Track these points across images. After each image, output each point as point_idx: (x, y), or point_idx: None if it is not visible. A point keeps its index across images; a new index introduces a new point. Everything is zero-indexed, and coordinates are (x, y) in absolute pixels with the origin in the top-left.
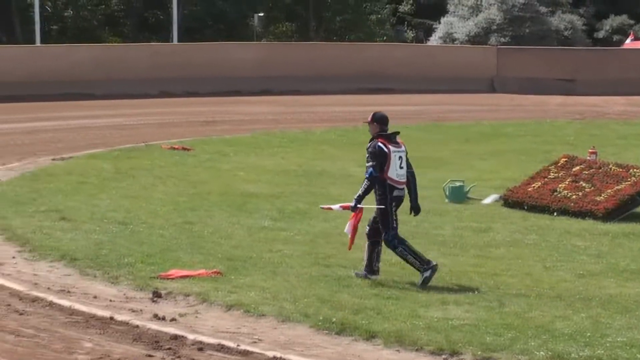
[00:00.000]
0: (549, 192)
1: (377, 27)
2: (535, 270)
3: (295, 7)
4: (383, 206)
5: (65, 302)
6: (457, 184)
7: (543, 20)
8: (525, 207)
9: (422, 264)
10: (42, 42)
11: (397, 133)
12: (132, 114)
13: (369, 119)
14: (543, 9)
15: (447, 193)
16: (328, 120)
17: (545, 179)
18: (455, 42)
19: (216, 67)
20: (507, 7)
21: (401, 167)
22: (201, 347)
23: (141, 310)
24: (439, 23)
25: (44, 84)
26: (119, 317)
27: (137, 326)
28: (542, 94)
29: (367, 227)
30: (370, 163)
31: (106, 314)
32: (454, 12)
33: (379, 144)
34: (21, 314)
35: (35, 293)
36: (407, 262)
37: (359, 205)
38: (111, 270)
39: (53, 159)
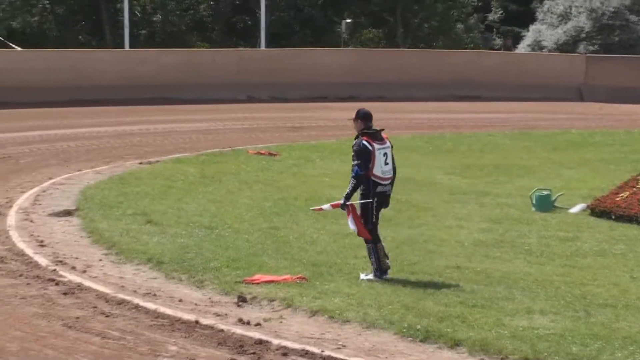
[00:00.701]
0: (637, 202)
1: (465, 35)
2: (622, 281)
3: (383, 13)
4: (370, 200)
5: (151, 305)
6: (544, 192)
7: (633, 29)
8: (613, 217)
9: (378, 270)
10: (131, 46)
11: (382, 130)
12: (219, 118)
13: (354, 117)
14: (633, 18)
15: (534, 202)
16: (414, 127)
17: (634, 189)
18: (543, 50)
19: (303, 72)
20: (597, 15)
21: (386, 164)
22: (285, 352)
23: (226, 315)
24: (528, 31)
25: (132, 88)
26: (204, 321)
27: (222, 330)
28: (631, 103)
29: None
30: (356, 162)
31: (191, 317)
32: (543, 19)
33: (364, 142)
34: (107, 316)
35: (121, 296)
36: (369, 258)
37: (347, 203)
38: (197, 274)
39: (140, 163)
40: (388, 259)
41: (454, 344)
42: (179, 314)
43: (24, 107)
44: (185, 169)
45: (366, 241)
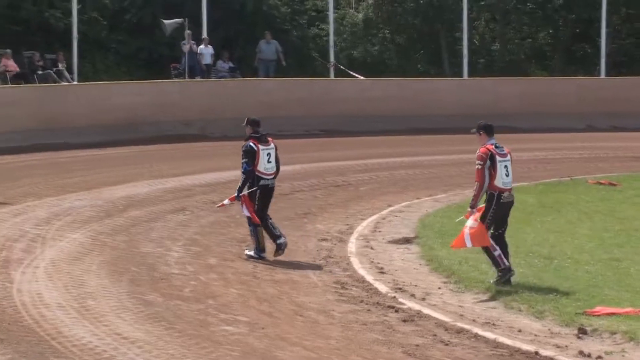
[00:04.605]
0: None
1: None
2: None
3: None
4: (255, 188)
5: (489, 335)
6: None
7: None
8: None
9: (258, 249)
10: (469, 75)
11: (267, 134)
12: (557, 147)
13: (245, 122)
14: None
15: None
16: None
17: None
18: None
19: None
20: None
21: (269, 162)
22: None
23: (566, 347)
24: None
25: (470, 116)
26: (543, 352)
27: None
28: None
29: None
30: (244, 160)
31: (531, 348)
32: None
33: (250, 143)
34: (446, 345)
35: (460, 324)
36: (251, 238)
37: (240, 194)
38: (536, 304)
39: None
40: (282, 237)
41: None
42: (518, 344)
43: (364, 135)
44: (524, 198)
45: (249, 224)
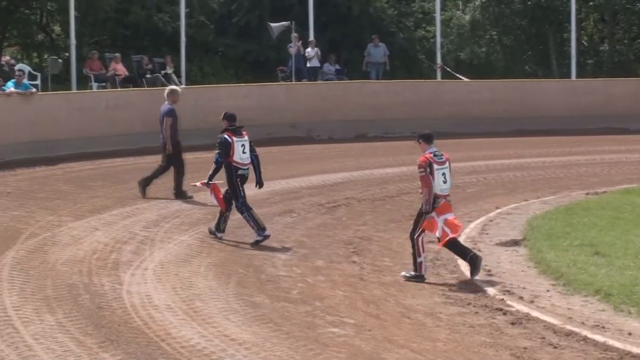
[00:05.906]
0: None
1: None
2: None
3: None
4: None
5: (599, 338)
6: None
7: None
8: None
9: (259, 229)
10: (577, 76)
11: (242, 127)
12: None
13: (221, 117)
14: None
15: None
16: None
17: None
18: None
19: None
20: None
21: (244, 153)
22: None
23: None
24: None
25: (578, 118)
26: None
27: None
28: None
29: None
30: (217, 151)
31: None
32: None
33: (225, 136)
34: (555, 347)
35: (569, 327)
36: (249, 224)
37: (210, 182)
38: None
39: (587, 193)
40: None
41: None
42: (629, 347)
43: (471, 137)
44: (634, 199)
45: (241, 213)
